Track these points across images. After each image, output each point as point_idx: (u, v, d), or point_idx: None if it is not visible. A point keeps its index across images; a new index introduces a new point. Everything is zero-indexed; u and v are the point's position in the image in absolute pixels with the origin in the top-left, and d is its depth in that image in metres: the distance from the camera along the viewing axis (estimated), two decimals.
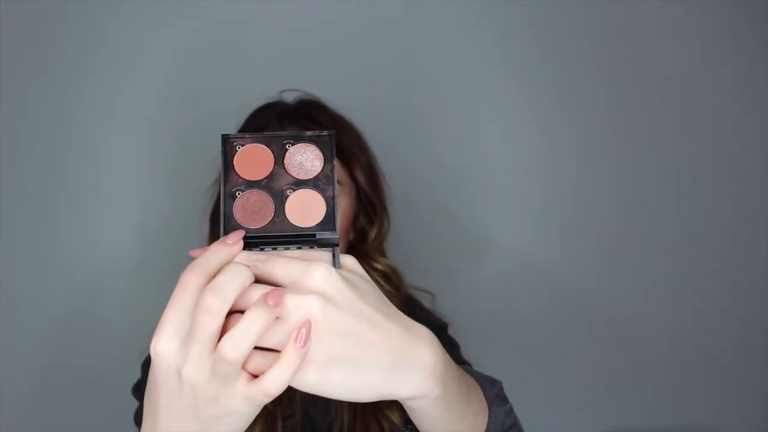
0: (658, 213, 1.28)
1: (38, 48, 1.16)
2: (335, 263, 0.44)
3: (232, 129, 0.89)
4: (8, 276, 1.16)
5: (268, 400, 0.40)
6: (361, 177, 0.87)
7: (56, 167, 1.17)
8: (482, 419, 0.55)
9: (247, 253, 0.43)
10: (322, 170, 0.46)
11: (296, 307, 0.40)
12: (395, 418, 0.80)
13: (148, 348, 0.89)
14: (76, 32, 1.17)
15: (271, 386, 0.39)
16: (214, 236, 0.87)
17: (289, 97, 0.92)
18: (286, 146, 0.46)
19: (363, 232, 0.91)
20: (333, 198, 0.45)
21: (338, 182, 0.83)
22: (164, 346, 0.38)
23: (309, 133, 0.47)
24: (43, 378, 1.18)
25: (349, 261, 0.46)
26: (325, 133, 0.47)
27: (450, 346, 0.87)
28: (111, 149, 1.19)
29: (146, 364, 0.84)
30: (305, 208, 0.45)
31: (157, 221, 1.20)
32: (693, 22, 1.27)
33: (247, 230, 0.44)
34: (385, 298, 0.45)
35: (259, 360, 0.40)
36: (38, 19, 1.15)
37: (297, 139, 0.47)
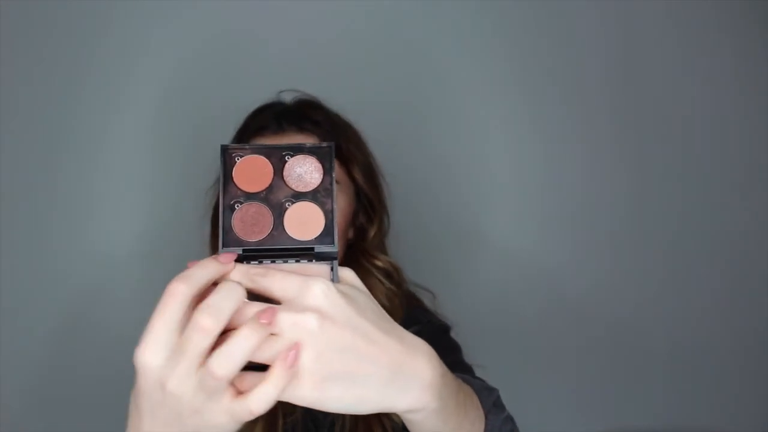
0: (657, 213, 1.28)
1: (38, 50, 1.16)
2: (334, 277, 0.44)
3: (231, 130, 0.89)
4: (8, 278, 1.16)
5: (251, 417, 0.39)
6: (359, 175, 0.87)
7: (56, 170, 1.17)
8: (479, 427, 0.55)
9: (245, 267, 0.43)
10: (321, 183, 0.46)
11: (293, 324, 0.40)
12: (396, 416, 0.80)
13: None
14: (77, 33, 1.17)
15: (256, 405, 0.39)
16: (214, 239, 0.87)
17: (288, 98, 0.92)
18: (286, 158, 0.46)
19: (363, 230, 0.91)
20: (332, 211, 0.45)
21: (336, 180, 0.83)
22: (149, 358, 0.38)
23: (308, 144, 0.47)
24: (43, 379, 1.18)
25: (348, 274, 0.46)
26: (324, 144, 0.47)
27: (452, 349, 0.87)
28: (111, 152, 1.19)
29: None
30: (304, 222, 0.45)
31: (157, 223, 1.20)
32: (695, 23, 1.26)
33: (246, 243, 0.44)
34: (383, 311, 0.45)
35: (249, 379, 0.40)
36: (37, 19, 1.15)
37: (296, 151, 0.46)
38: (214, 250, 0.83)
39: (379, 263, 0.89)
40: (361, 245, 0.89)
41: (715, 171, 1.28)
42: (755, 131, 1.27)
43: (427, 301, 0.96)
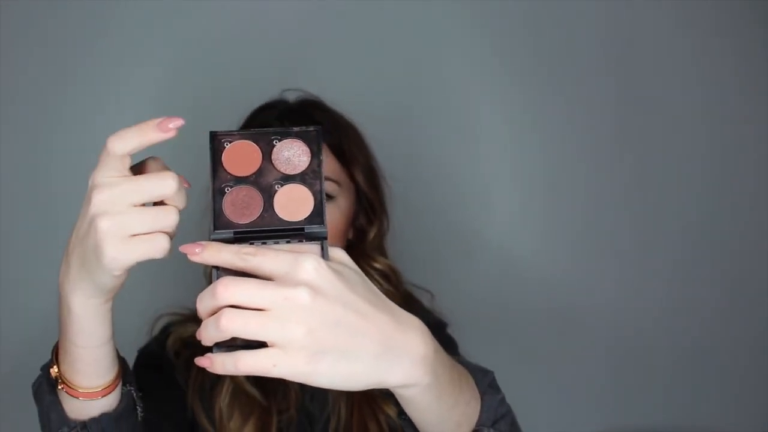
0: (657, 213, 1.28)
1: (39, 44, 1.17)
2: (324, 256, 0.45)
3: (233, 128, 0.90)
4: (8, 277, 1.16)
5: (118, 273, 0.48)
6: (360, 177, 0.88)
7: (55, 164, 1.18)
8: (475, 407, 0.55)
9: (236, 247, 0.43)
10: (309, 165, 0.47)
11: (285, 299, 0.40)
12: (391, 411, 0.81)
13: (144, 342, 0.88)
14: (75, 30, 1.18)
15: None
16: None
17: (291, 97, 0.93)
18: (273, 142, 0.47)
19: (362, 231, 0.92)
20: (320, 192, 0.46)
21: (338, 183, 0.84)
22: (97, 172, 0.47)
23: (296, 129, 0.48)
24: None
25: (339, 253, 0.46)
26: (311, 128, 0.48)
27: (448, 345, 0.87)
28: None
29: (139, 357, 0.85)
30: (293, 203, 0.46)
31: None
32: (695, 23, 1.27)
33: (237, 225, 0.45)
34: (375, 288, 0.46)
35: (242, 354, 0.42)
36: (37, 18, 1.16)
37: (284, 135, 0.47)
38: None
39: (377, 265, 0.90)
40: (360, 247, 0.90)
41: (715, 171, 1.28)
42: (755, 131, 1.28)
43: (425, 301, 0.96)
